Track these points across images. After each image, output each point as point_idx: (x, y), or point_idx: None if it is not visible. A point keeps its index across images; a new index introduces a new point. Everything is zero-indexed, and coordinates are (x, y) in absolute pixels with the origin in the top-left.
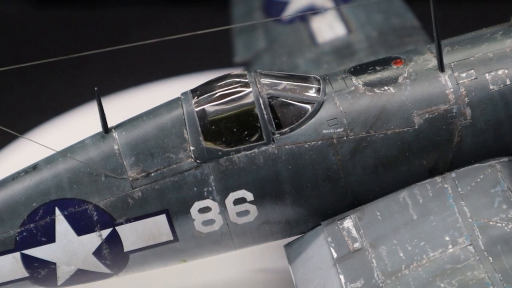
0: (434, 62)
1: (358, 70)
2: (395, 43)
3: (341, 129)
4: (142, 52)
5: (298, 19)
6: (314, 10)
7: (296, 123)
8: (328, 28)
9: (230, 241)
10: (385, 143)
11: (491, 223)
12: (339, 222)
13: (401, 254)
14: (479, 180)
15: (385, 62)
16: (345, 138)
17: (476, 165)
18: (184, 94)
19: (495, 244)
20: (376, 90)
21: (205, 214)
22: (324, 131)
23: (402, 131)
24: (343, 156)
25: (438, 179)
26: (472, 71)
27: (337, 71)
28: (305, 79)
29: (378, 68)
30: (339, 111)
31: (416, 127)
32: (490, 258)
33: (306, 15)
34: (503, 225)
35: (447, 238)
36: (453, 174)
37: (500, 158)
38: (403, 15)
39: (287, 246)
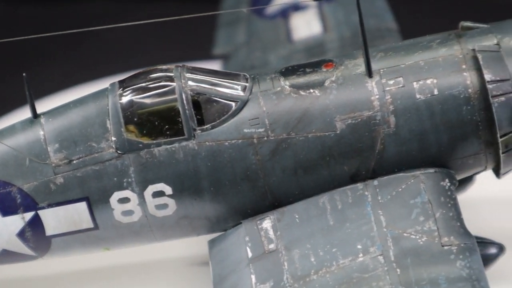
0: (364, 67)
1: (288, 71)
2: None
3: (262, 129)
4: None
5: (280, 15)
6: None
7: (218, 121)
8: (306, 25)
9: (150, 233)
10: (305, 146)
11: (405, 234)
12: (258, 222)
13: (312, 259)
14: (400, 190)
15: (316, 65)
16: (265, 138)
17: (400, 174)
18: (112, 84)
19: (405, 256)
20: (302, 92)
21: (124, 204)
22: (245, 130)
23: (323, 135)
24: (262, 156)
25: (360, 186)
26: (401, 78)
27: (268, 70)
28: (233, 76)
29: (308, 70)
30: (262, 111)
31: (338, 132)
32: (398, 270)
33: (288, 11)
34: (417, 237)
35: (359, 246)
36: (375, 182)
37: (426, 169)
38: (381, 17)
39: (210, 242)
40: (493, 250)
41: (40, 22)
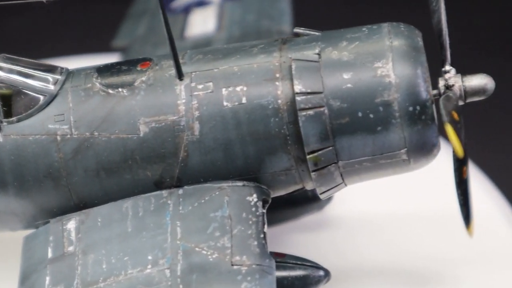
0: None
1: (105, 68)
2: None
3: (67, 126)
4: None
5: (183, 10)
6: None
7: (24, 114)
8: (202, 22)
9: None
10: (107, 147)
11: (197, 249)
12: (64, 222)
13: (104, 266)
14: (203, 201)
15: (133, 63)
16: (68, 136)
17: (207, 185)
18: None
19: (192, 271)
20: (110, 91)
21: None
22: (50, 126)
23: (126, 137)
24: (65, 154)
25: (164, 193)
26: (211, 83)
27: (89, 66)
28: (49, 69)
29: (123, 68)
30: (69, 107)
31: (141, 135)
32: (181, 286)
33: (191, 6)
34: (208, 253)
35: (149, 257)
36: (180, 191)
37: (234, 182)
38: (277, 19)
39: (25, 238)
40: (319, 274)
41: None
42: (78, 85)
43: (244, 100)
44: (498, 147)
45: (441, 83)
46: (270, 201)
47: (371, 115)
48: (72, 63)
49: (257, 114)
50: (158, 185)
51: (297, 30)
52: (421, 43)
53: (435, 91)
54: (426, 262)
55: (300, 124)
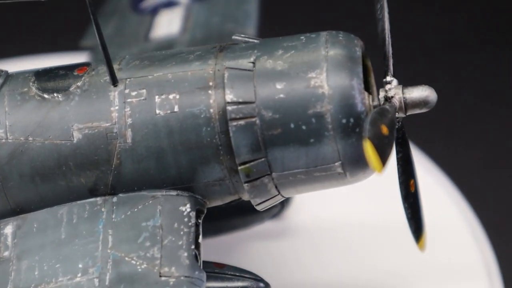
0: (116, 74)
1: (43, 72)
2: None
3: (2, 130)
4: None
5: (151, 11)
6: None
7: None
8: (167, 24)
9: None
10: (41, 152)
11: (127, 258)
12: (2, 226)
13: (36, 273)
14: (136, 210)
15: (71, 68)
16: (3, 140)
17: (141, 193)
18: None
19: (120, 282)
20: (46, 96)
21: None
22: None
23: (60, 143)
24: (0, 158)
25: (99, 201)
26: (144, 90)
27: (28, 70)
28: None
29: (61, 72)
30: (5, 111)
31: (74, 141)
32: None
33: (159, 7)
34: (137, 263)
35: (80, 265)
36: (114, 199)
37: (168, 191)
38: (242, 22)
39: None
40: (258, 285)
41: None
42: (15, 88)
43: (176, 109)
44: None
45: (381, 94)
46: (205, 211)
47: (304, 127)
48: (37, 62)
49: (189, 123)
50: (93, 192)
51: (235, 37)
52: (358, 53)
53: (375, 103)
54: (385, 276)
55: (231, 134)
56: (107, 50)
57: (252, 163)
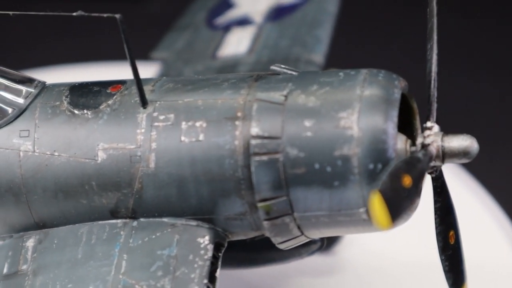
0: (146, 95)
1: (78, 87)
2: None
3: (30, 143)
4: None
5: (224, 28)
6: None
7: None
8: (236, 43)
9: None
10: (66, 169)
11: (137, 286)
12: (25, 239)
13: None
14: (154, 237)
15: (105, 85)
16: (30, 153)
17: (161, 220)
18: None
19: None
20: (76, 111)
21: None
22: (14, 140)
23: (84, 161)
24: (26, 171)
25: (119, 223)
26: (172, 115)
27: (66, 83)
28: (24, 81)
29: (95, 89)
30: (35, 123)
31: (99, 161)
32: None
33: (232, 25)
34: None
35: None
36: (135, 223)
37: (189, 220)
38: (310, 47)
39: None
40: None
41: None
42: (48, 101)
43: (201, 137)
44: None
45: (419, 140)
46: (225, 245)
47: (329, 168)
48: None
49: (213, 153)
50: (114, 214)
51: (274, 67)
52: (396, 95)
53: (413, 148)
54: None
55: (252, 169)
56: (137, 70)
57: (272, 201)
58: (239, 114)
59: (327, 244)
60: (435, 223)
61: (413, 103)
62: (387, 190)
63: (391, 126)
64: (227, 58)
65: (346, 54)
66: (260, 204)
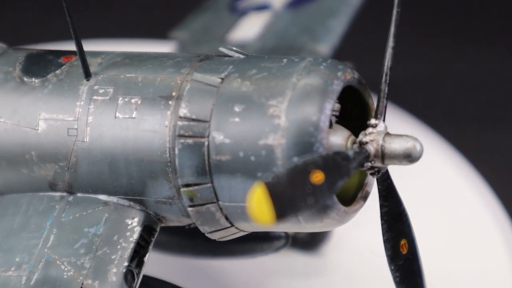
0: (93, 67)
1: (35, 55)
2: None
3: None
4: None
5: (241, 12)
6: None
7: None
8: (247, 28)
9: None
10: (9, 136)
11: (58, 262)
12: None
13: None
14: (84, 213)
15: (59, 54)
16: None
17: (97, 197)
18: None
19: (44, 284)
20: (25, 79)
21: None
22: None
23: (26, 130)
24: None
25: (57, 197)
26: (111, 89)
27: (26, 49)
28: None
29: (49, 57)
30: None
31: (39, 131)
32: None
33: (250, 9)
34: (65, 269)
35: (17, 259)
36: (71, 198)
37: (122, 200)
38: (318, 37)
39: None
40: None
41: None
42: (2, 67)
43: (134, 114)
44: None
45: (360, 137)
46: (157, 229)
47: (253, 158)
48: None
49: (143, 132)
50: (52, 187)
51: (222, 49)
52: (336, 86)
53: (355, 145)
54: None
55: (176, 152)
56: (79, 40)
57: (196, 187)
58: (174, 93)
59: (315, 244)
60: (382, 229)
61: (368, 99)
62: (281, 183)
63: (323, 119)
64: (235, 42)
65: (360, 47)
66: (183, 189)
